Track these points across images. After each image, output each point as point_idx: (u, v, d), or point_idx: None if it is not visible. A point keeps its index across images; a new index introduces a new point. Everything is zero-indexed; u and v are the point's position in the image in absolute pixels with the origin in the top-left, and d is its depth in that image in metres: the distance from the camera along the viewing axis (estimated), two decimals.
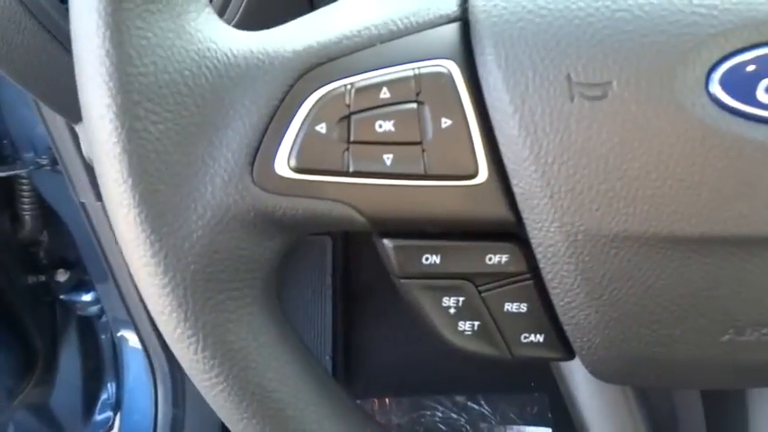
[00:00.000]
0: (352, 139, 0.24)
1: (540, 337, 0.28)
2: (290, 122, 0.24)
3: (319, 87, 0.24)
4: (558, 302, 0.27)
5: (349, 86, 0.24)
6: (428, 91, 0.24)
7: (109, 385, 0.91)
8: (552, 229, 0.25)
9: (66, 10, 0.46)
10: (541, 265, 0.26)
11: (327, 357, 0.90)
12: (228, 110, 0.24)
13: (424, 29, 0.25)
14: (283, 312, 0.29)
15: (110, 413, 0.89)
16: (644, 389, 0.41)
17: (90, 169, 0.63)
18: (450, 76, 0.25)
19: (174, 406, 0.80)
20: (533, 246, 0.26)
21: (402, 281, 0.27)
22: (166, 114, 0.24)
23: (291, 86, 0.24)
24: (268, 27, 0.26)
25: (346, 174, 0.25)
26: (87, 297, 0.89)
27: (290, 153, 0.25)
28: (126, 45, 0.23)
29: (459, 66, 0.25)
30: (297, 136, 0.24)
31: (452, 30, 0.25)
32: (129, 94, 0.23)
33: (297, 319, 0.86)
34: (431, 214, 0.25)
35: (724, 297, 0.26)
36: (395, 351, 0.95)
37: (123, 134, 0.23)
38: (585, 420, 0.40)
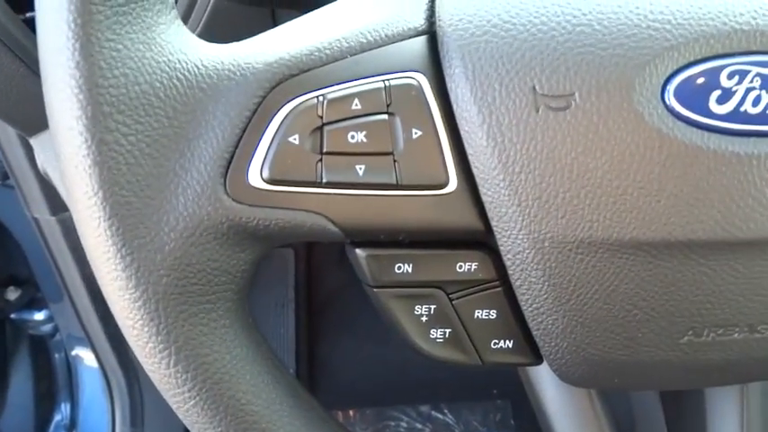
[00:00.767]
0: (324, 150, 0.25)
1: (510, 343, 0.29)
2: (263, 134, 0.25)
3: (291, 99, 0.25)
4: (526, 308, 0.27)
5: (321, 98, 0.25)
6: (399, 102, 0.25)
7: (63, 406, 0.88)
8: (520, 237, 0.26)
9: (21, 20, 0.46)
10: (510, 272, 0.27)
11: (291, 370, 0.89)
12: (200, 121, 0.24)
13: (394, 41, 0.26)
14: (255, 323, 0.28)
15: None
16: (607, 392, 0.42)
17: (44, 183, 0.61)
18: (420, 88, 0.25)
19: (133, 425, 0.78)
20: (502, 253, 0.26)
21: (375, 290, 0.27)
22: (137, 126, 0.24)
23: (263, 98, 0.25)
24: (230, 40, 0.26)
25: (320, 185, 0.25)
26: (40, 315, 0.86)
27: (264, 164, 0.25)
28: (96, 57, 0.23)
29: (428, 78, 0.25)
30: (270, 147, 0.25)
31: (421, 43, 0.26)
32: (99, 106, 0.23)
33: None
34: (403, 224, 0.26)
35: (683, 300, 0.27)
36: (358, 363, 0.95)
37: (93, 146, 0.23)
38: (552, 425, 0.40)
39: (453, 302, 0.28)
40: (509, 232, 0.26)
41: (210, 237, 0.25)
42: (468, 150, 0.25)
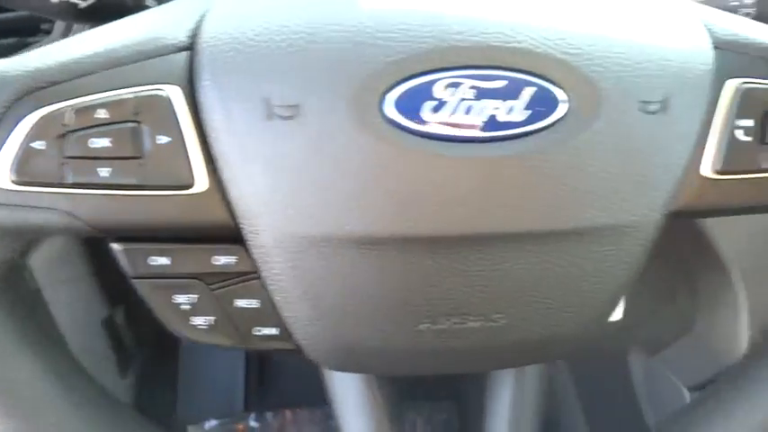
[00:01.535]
0: (68, 154, 0.27)
1: (275, 330, 0.31)
2: (6, 140, 0.27)
3: (39, 108, 0.27)
4: (276, 298, 0.30)
5: (69, 108, 0.27)
6: (146, 112, 0.27)
7: None
8: (264, 234, 0.28)
9: None
10: (258, 266, 0.29)
11: (240, 369, 0.91)
12: None
13: (152, 57, 0.28)
14: (31, 314, 0.31)
15: None
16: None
17: None
18: (167, 99, 0.28)
19: None
20: (250, 248, 0.29)
21: (134, 280, 0.30)
22: None
23: (8, 108, 0.27)
24: None
25: (65, 185, 0.27)
26: None
27: (10, 168, 0.27)
28: None
29: (183, 90, 0.28)
30: (16, 152, 0.27)
31: (181, 57, 0.28)
32: None
33: None
34: (152, 221, 0.28)
35: (415, 291, 0.29)
36: (307, 361, 0.97)
37: None
38: (336, 411, 0.43)
39: (214, 292, 0.30)
40: (254, 229, 0.28)
41: None
42: (215, 155, 0.28)
